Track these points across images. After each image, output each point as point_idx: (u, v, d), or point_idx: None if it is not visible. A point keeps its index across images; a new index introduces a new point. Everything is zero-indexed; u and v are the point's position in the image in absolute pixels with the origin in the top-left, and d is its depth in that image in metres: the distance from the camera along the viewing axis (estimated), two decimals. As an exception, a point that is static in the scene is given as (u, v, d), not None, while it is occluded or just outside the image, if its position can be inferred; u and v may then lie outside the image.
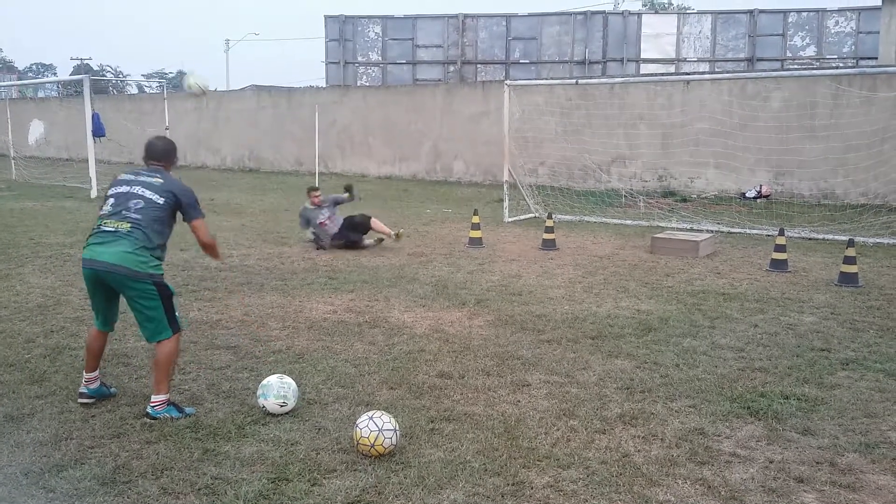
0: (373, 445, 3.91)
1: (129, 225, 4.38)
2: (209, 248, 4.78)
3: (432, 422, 4.41)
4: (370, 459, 3.90)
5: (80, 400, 4.61)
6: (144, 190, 4.49)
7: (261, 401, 4.48)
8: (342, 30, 31.99)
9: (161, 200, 4.47)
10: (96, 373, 4.65)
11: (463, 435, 4.23)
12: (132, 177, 4.58)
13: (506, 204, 13.91)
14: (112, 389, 4.82)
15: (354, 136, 24.45)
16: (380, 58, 32.03)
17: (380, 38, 31.81)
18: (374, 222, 10.54)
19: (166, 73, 69.13)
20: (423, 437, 4.21)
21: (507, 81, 14.62)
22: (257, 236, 11.51)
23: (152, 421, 4.36)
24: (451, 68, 31.09)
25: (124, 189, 4.51)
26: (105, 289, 4.47)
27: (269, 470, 3.80)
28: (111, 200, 4.49)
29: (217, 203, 16.20)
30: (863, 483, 3.73)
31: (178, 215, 4.61)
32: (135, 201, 4.44)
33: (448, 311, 7.06)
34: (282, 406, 4.45)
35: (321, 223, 10.50)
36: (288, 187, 20.35)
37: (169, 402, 4.46)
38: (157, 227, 4.46)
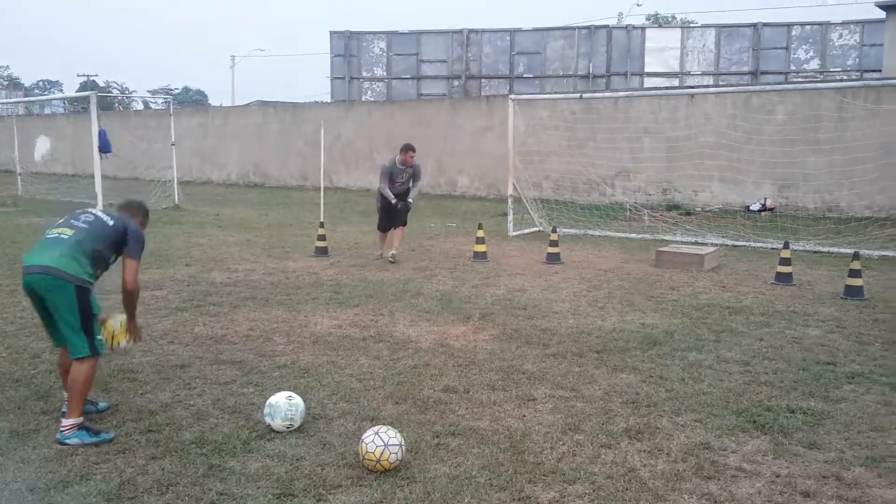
0: (378, 460, 3.90)
1: (72, 231, 4.44)
2: (129, 295, 4.60)
3: (438, 437, 4.41)
4: (376, 475, 3.90)
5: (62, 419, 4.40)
6: (99, 212, 4.67)
7: (267, 420, 4.47)
8: (347, 45, 32.21)
9: (111, 222, 4.58)
10: None
11: (468, 450, 4.23)
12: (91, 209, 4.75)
13: (510, 218, 13.93)
14: (101, 405, 4.78)
15: (359, 150, 24.54)
16: (384, 73, 32.21)
17: (384, 54, 32.01)
18: (400, 230, 10.88)
19: (172, 90, 69.57)
20: (429, 451, 4.20)
21: (512, 96, 14.68)
22: (262, 251, 11.54)
23: (63, 446, 4.20)
24: (456, 83, 31.24)
25: (79, 211, 4.67)
26: (41, 300, 4.39)
27: (275, 486, 3.80)
28: (63, 218, 4.61)
29: (222, 218, 16.27)
30: (869, 497, 3.71)
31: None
32: (86, 216, 4.58)
33: (453, 325, 7.06)
34: (288, 428, 4.45)
35: (398, 182, 10.75)
36: (292, 202, 20.41)
37: (81, 426, 4.27)
38: (100, 244, 4.46)
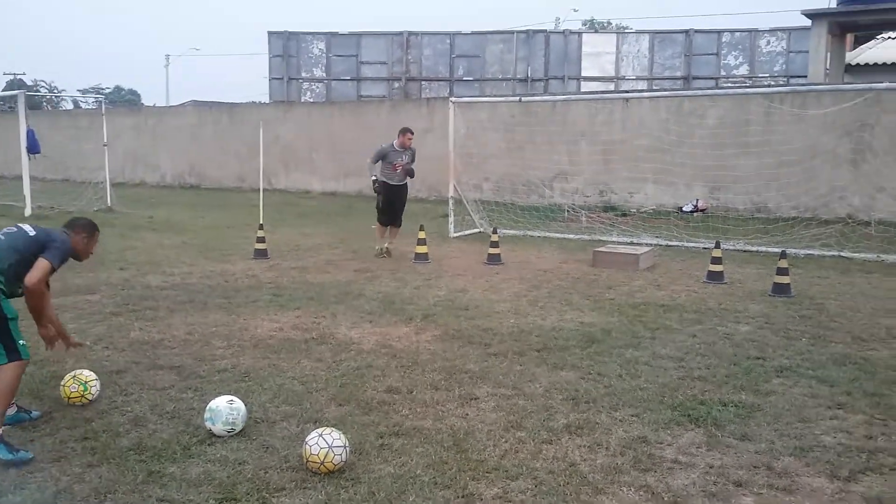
0: (323, 462, 3.90)
1: None
2: (30, 294, 4.34)
3: (381, 437, 4.43)
4: (320, 476, 3.89)
5: None
6: (23, 224, 4.58)
7: (208, 424, 4.42)
8: (286, 46, 31.85)
9: (33, 233, 4.48)
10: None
11: (412, 449, 4.26)
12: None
13: (451, 219, 14.01)
14: (34, 413, 4.64)
15: (298, 152, 24.30)
16: (324, 74, 31.97)
17: (324, 55, 31.77)
18: (395, 230, 11.34)
19: (103, 89, 67.54)
20: (373, 452, 4.22)
21: (453, 98, 14.77)
22: (199, 254, 11.33)
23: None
24: (396, 85, 31.23)
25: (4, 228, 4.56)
26: None
27: (217, 490, 3.76)
28: None
29: (157, 220, 15.91)
30: (798, 485, 3.88)
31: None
32: (8, 228, 4.51)
33: (395, 326, 7.08)
34: (229, 432, 4.40)
35: (395, 165, 10.98)
36: (230, 204, 20.09)
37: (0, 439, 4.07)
38: (16, 257, 4.34)
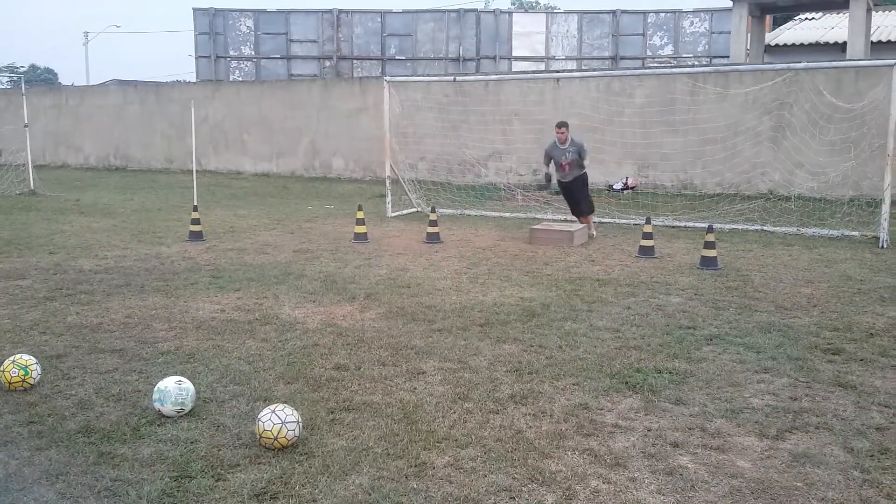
0: (276, 438, 3.96)
1: None
2: None
3: (332, 412, 4.50)
4: (274, 452, 3.95)
5: None
6: None
7: (157, 405, 4.41)
8: (212, 23, 31.04)
9: None
10: None
11: (364, 423, 4.35)
12: None
13: (388, 199, 14.04)
14: None
15: (228, 132, 23.84)
16: (253, 52, 31.33)
17: (252, 32, 31.09)
18: (586, 218, 11.26)
19: (17, 68, 64.50)
20: (325, 427, 4.29)
21: (387, 78, 14.74)
22: (132, 237, 11.09)
23: None
24: (327, 63, 30.85)
25: None
26: None
27: (171, 469, 3.78)
28: None
29: (84, 203, 15.44)
30: (730, 444, 4.14)
31: None
32: None
33: (339, 305, 7.13)
34: (178, 412, 4.40)
35: (561, 164, 10.85)
36: (158, 186, 19.62)
37: None
38: None
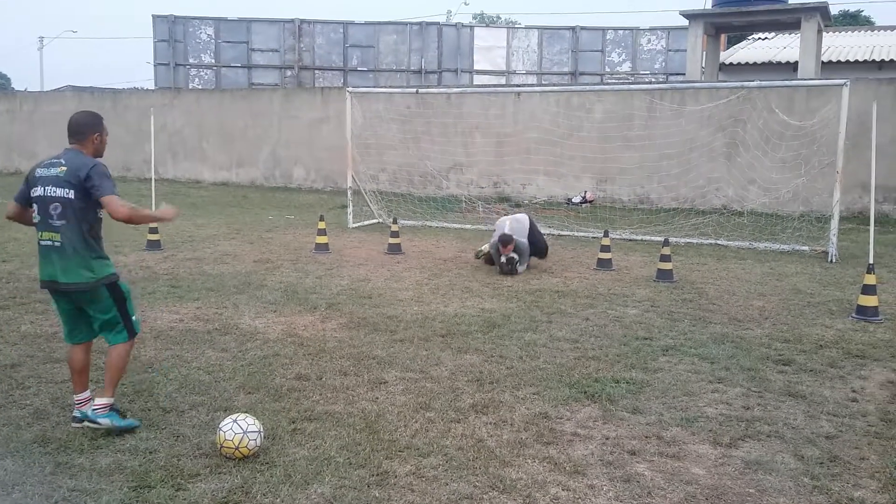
0: (237, 447, 3.94)
1: (58, 235, 4.23)
2: (133, 221, 4.47)
3: (294, 422, 4.50)
4: (235, 461, 3.94)
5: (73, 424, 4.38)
6: (55, 189, 4.24)
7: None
8: (172, 30, 30.68)
9: (71, 193, 4.25)
10: (87, 393, 4.44)
11: (325, 433, 4.36)
12: (44, 171, 4.32)
13: (349, 210, 14.02)
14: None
15: (187, 140, 23.56)
16: (213, 60, 31.05)
17: (213, 41, 30.81)
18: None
19: (-33, 70, 62.91)
20: (286, 437, 4.29)
21: (349, 88, 14.76)
22: (88, 245, 10.89)
23: (91, 426, 4.23)
24: (289, 73, 30.71)
25: (40, 192, 4.27)
26: (67, 301, 4.36)
27: (129, 479, 3.75)
28: (35, 206, 4.30)
29: (37, 211, 15.08)
30: (686, 452, 4.24)
31: None
32: (53, 205, 4.25)
33: (300, 315, 7.11)
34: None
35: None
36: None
37: (113, 407, 4.35)
38: (84, 225, 4.30)
